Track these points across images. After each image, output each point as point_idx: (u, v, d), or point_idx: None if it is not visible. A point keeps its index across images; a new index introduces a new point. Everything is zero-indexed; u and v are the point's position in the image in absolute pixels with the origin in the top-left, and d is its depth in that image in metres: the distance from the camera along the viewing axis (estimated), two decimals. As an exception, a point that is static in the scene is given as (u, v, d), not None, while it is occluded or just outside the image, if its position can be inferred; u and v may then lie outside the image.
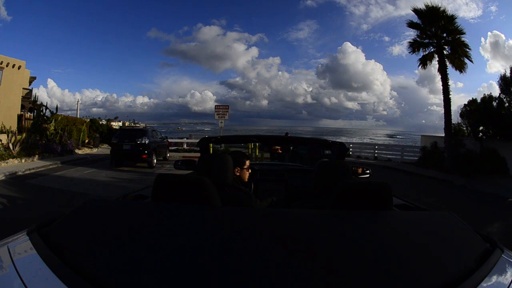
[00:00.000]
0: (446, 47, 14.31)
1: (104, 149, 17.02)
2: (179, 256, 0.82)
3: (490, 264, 0.86)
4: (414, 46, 14.47)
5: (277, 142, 3.60)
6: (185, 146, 18.70)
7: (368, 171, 2.91)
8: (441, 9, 14.31)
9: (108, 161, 11.91)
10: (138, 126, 21.79)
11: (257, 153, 13.14)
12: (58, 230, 1.00)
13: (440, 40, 14.33)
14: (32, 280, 0.75)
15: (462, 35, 14.37)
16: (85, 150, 15.54)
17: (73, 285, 0.72)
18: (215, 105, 18.50)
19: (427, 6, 14.36)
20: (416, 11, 14.63)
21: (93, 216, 1.10)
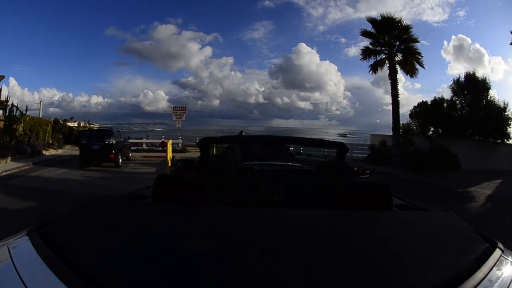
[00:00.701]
0: (399, 54, 16.88)
1: (68, 150, 18.35)
2: (179, 257, 0.89)
3: (490, 264, 0.92)
4: (365, 53, 17.05)
5: (277, 143, 4.17)
6: (144, 146, 20.48)
7: (368, 172, 3.15)
8: (397, 19, 16.74)
9: (76, 162, 13.38)
10: (92, 127, 23.15)
11: (214, 152, 15.33)
12: (58, 230, 1.07)
13: (392, 48, 16.85)
14: (32, 280, 0.81)
15: (415, 43, 16.92)
16: (51, 151, 16.83)
17: (73, 285, 0.77)
18: (173, 107, 20.67)
19: (382, 16, 16.81)
20: (371, 20, 17.01)
21: (93, 216, 1.19)
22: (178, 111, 20.77)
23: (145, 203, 1.77)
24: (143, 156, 17.46)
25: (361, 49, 17.30)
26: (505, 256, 1.01)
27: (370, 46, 17.14)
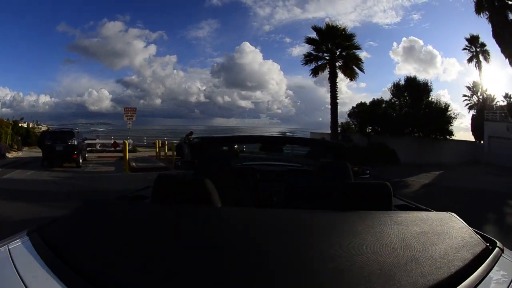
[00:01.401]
0: (340, 60, 19.85)
1: (27, 152, 19.76)
2: (179, 257, 0.94)
3: (490, 264, 0.98)
4: (308, 59, 20.00)
5: (277, 143, 4.05)
6: (97, 147, 22.43)
7: (368, 172, 3.31)
8: (341, 28, 19.57)
9: (37, 163, 14.62)
10: (41, 128, 24.30)
11: (166, 151, 18.15)
12: (58, 231, 1.14)
13: (334, 55, 19.75)
14: (32, 280, 0.85)
15: (357, 50, 19.95)
16: (13, 154, 18.28)
17: (73, 285, 0.81)
18: (124, 108, 23.26)
19: (327, 24, 19.72)
20: (315, 29, 19.88)
21: (93, 216, 1.26)
22: (129, 112, 22.79)
23: (145, 203, 1.85)
24: (98, 156, 19.21)
25: (304, 55, 20.23)
26: (505, 256, 1.08)
27: (313, 52, 20.11)
